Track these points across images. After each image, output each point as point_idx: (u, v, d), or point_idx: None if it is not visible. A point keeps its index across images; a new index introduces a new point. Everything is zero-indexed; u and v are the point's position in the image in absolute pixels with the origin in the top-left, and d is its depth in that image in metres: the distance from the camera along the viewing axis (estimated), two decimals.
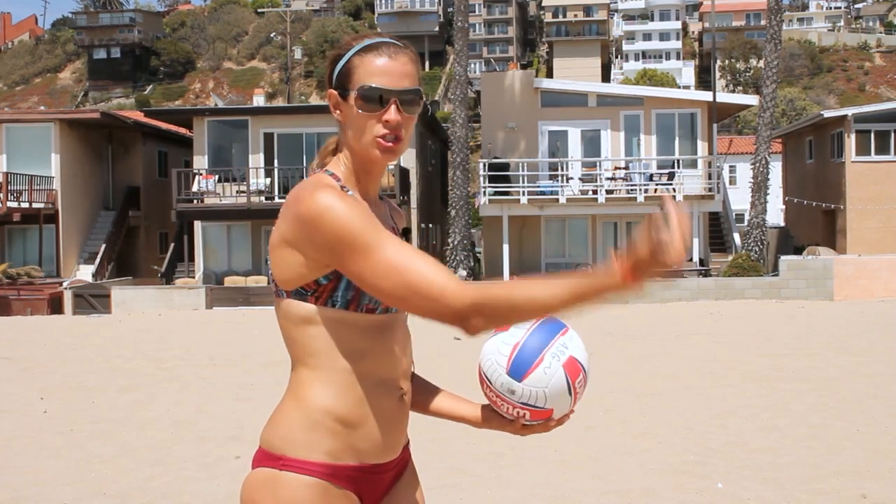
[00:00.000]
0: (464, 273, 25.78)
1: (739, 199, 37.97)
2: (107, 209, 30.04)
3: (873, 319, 17.16)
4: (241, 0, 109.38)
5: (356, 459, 1.88)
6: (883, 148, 29.22)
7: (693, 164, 27.20)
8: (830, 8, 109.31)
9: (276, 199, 25.97)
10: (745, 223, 26.93)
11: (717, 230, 29.20)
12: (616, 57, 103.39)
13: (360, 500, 1.91)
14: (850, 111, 29.98)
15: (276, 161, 26.98)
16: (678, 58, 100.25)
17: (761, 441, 7.10)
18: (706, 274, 24.86)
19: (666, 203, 1.67)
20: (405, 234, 2.12)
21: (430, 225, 32.38)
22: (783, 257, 23.98)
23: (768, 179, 26.30)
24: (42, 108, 77.38)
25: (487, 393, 1.98)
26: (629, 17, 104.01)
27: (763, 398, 9.03)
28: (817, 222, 32.21)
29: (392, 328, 1.91)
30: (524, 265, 27.08)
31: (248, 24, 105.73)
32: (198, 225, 27.14)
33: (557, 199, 26.08)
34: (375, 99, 1.85)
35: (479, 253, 31.82)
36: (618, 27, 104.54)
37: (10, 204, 25.41)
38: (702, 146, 27.35)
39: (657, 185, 26.20)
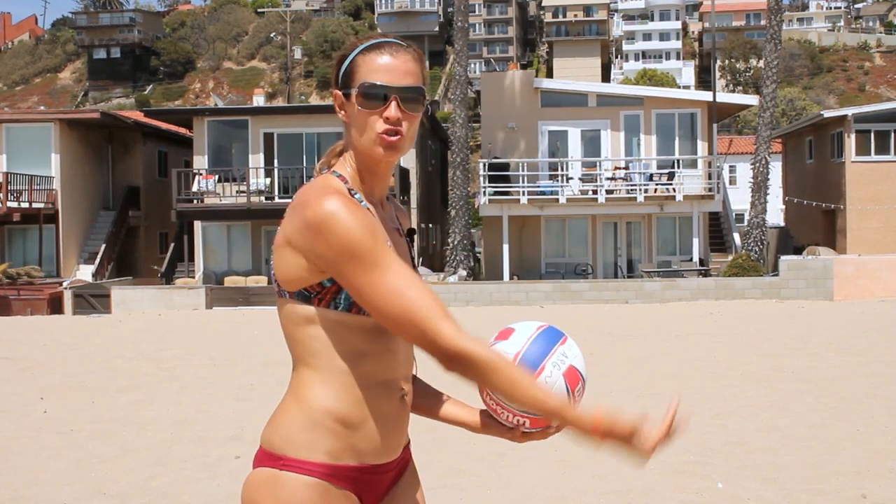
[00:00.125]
0: (464, 273, 25.78)
1: (739, 199, 37.97)
2: (107, 209, 30.04)
3: (873, 319, 17.16)
4: (241, 0, 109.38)
5: (356, 460, 1.88)
6: (883, 148, 29.21)
7: (693, 164, 27.20)
8: (830, 8, 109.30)
9: (277, 199, 25.97)
10: (745, 223, 26.93)
11: (717, 230, 29.20)
12: (616, 57, 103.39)
13: (360, 501, 1.91)
14: (850, 111, 29.99)
15: (276, 161, 26.98)
16: (678, 58, 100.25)
17: (761, 441, 7.10)
18: (706, 274, 24.86)
19: (670, 407, 1.79)
20: (410, 235, 2.12)
21: (430, 225, 32.38)
22: (783, 257, 23.98)
23: (768, 179, 26.30)
24: (42, 108, 77.39)
25: (487, 400, 1.99)
26: (629, 17, 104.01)
27: (763, 398, 9.03)
28: (817, 222, 32.21)
29: None
30: (524, 265, 27.09)
31: (248, 24, 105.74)
32: (198, 225, 27.14)
33: (557, 199, 26.07)
34: (376, 96, 1.86)
35: (479, 253, 31.83)
36: (618, 27, 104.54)
37: (10, 204, 25.41)
38: (702, 146, 27.35)
39: (657, 185, 26.21)
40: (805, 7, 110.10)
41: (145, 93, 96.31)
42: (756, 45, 78.00)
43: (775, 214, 41.40)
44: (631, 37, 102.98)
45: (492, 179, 26.19)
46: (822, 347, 13.10)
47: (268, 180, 26.54)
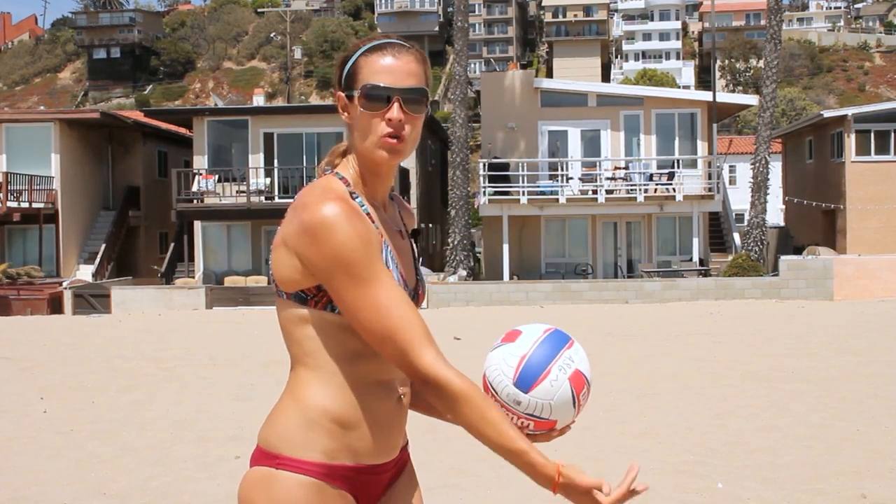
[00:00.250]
0: (464, 273, 25.78)
1: (739, 199, 37.96)
2: (107, 209, 30.04)
3: (873, 319, 17.16)
4: (241, 0, 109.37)
5: (352, 460, 1.88)
6: (883, 148, 29.22)
7: (693, 164, 27.20)
8: (830, 8, 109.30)
9: (276, 199, 25.98)
10: (745, 223, 26.92)
11: (717, 230, 29.20)
12: (616, 57, 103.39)
13: (356, 501, 1.91)
14: (849, 111, 29.99)
15: (275, 161, 26.98)
16: (678, 58, 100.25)
17: (761, 441, 7.10)
18: (706, 274, 24.86)
19: (630, 471, 1.81)
20: (415, 235, 2.12)
21: (430, 225, 32.39)
22: (783, 257, 23.98)
23: (768, 179, 26.29)
24: (42, 108, 77.38)
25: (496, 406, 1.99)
26: (629, 17, 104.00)
27: (763, 398, 9.03)
28: (817, 222, 32.21)
29: None
30: (524, 265, 27.09)
31: (248, 24, 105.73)
32: (198, 225, 27.14)
33: (557, 199, 26.07)
34: (378, 97, 1.85)
35: (479, 253, 31.82)
36: (618, 27, 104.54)
37: (10, 204, 25.41)
38: (702, 146, 27.35)
39: (657, 185, 26.21)
40: (805, 7, 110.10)
41: (145, 93, 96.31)
42: (756, 45, 77.99)
43: (775, 214, 41.40)
44: (631, 37, 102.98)
45: (492, 179, 26.19)
46: (822, 347, 13.09)
47: (268, 180, 26.55)
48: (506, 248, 25.62)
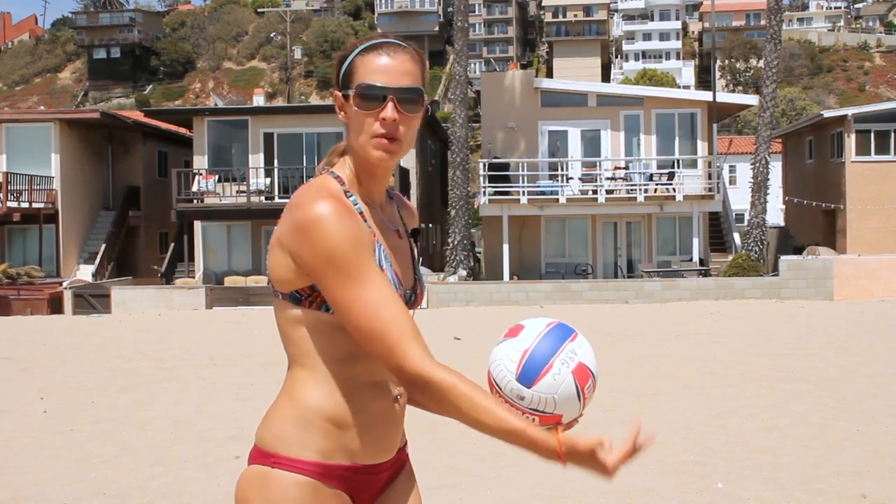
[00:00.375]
0: (464, 273, 25.78)
1: (739, 199, 37.97)
2: (107, 209, 30.04)
3: (873, 319, 17.16)
4: (241, 0, 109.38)
5: (348, 459, 1.88)
6: (883, 148, 29.22)
7: (693, 164, 27.20)
8: (830, 8, 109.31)
9: (277, 199, 25.97)
10: (745, 223, 26.92)
11: (717, 230, 29.20)
12: (616, 57, 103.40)
13: (353, 500, 1.91)
14: (850, 111, 29.99)
15: (276, 161, 26.98)
16: (678, 58, 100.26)
17: (761, 441, 7.10)
18: (706, 274, 24.86)
19: (634, 425, 1.79)
20: (415, 234, 2.11)
21: (430, 225, 32.39)
22: (783, 257, 23.98)
23: (768, 179, 26.29)
24: (42, 108, 77.39)
25: (495, 397, 1.98)
26: (629, 17, 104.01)
27: (763, 398, 9.03)
28: (817, 222, 32.22)
29: None
30: (524, 265, 27.09)
31: (248, 24, 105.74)
32: (198, 225, 27.15)
33: (557, 199, 26.07)
34: (373, 97, 1.85)
35: (479, 253, 31.83)
36: (618, 27, 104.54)
37: (10, 204, 25.41)
38: (702, 146, 27.35)
39: (657, 185, 26.21)
40: (805, 7, 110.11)
41: (145, 93, 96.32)
42: (756, 45, 78.00)
43: (775, 214, 41.40)
44: (631, 37, 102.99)
45: (492, 179, 26.19)
46: (822, 347, 13.10)
47: (268, 180, 26.55)
48: (506, 248, 25.62)
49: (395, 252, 1.95)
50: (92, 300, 23.34)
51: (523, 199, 25.94)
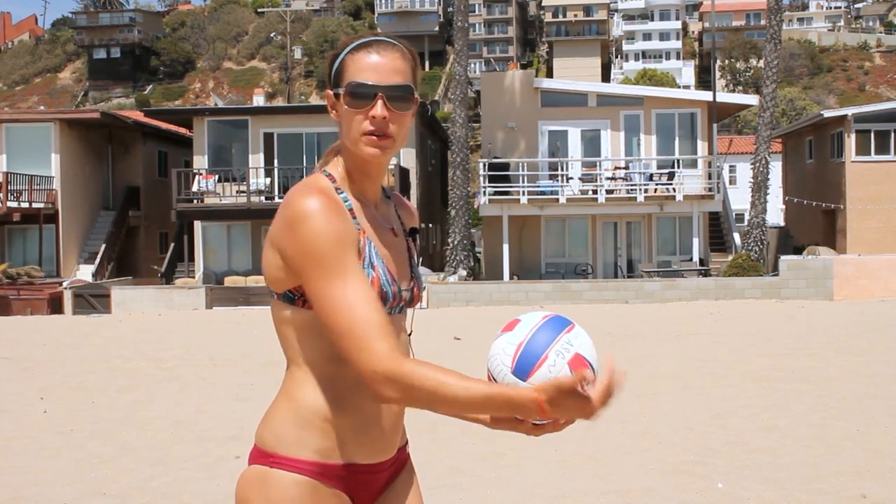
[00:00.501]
0: (464, 273, 25.78)
1: (739, 199, 37.97)
2: (107, 209, 30.04)
3: (873, 319, 17.16)
4: (241, 0, 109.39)
5: (346, 459, 1.88)
6: (883, 148, 29.22)
7: (693, 164, 27.21)
8: (830, 8, 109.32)
9: (276, 199, 25.95)
10: (745, 223, 26.93)
11: (717, 230, 29.20)
12: (616, 57, 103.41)
13: (352, 499, 1.91)
14: (850, 111, 29.99)
15: (276, 161, 26.99)
16: (678, 58, 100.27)
17: (761, 441, 7.10)
18: (706, 274, 24.86)
19: (608, 363, 1.75)
20: (413, 234, 2.11)
21: (430, 225, 32.38)
22: (783, 257, 23.98)
23: (768, 179, 26.29)
24: (42, 108, 77.39)
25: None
26: (629, 17, 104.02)
27: (763, 398, 9.03)
28: (817, 222, 32.22)
29: None
30: (524, 265, 27.09)
31: (248, 24, 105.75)
32: (198, 225, 27.15)
33: (557, 199, 26.07)
34: (363, 95, 1.85)
35: (479, 253, 31.83)
36: (618, 27, 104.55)
37: (10, 204, 25.41)
38: (702, 146, 27.35)
39: (657, 185, 26.21)
40: (805, 7, 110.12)
41: (145, 93, 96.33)
42: (756, 45, 78.00)
43: (775, 214, 41.40)
44: (631, 37, 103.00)
45: (492, 179, 26.19)
46: (822, 347, 13.10)
47: (268, 180, 26.55)
48: (506, 248, 25.62)
49: (389, 249, 1.94)
50: (92, 300, 23.34)
51: (523, 199, 25.94)
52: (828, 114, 30.67)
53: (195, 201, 26.31)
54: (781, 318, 17.82)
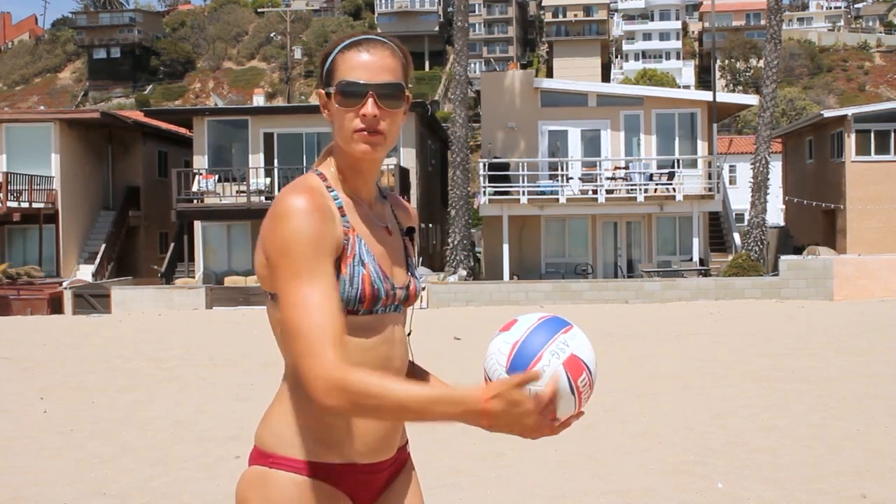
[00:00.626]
0: (464, 273, 25.77)
1: (739, 199, 37.97)
2: (107, 209, 30.04)
3: (873, 319, 17.16)
4: (241, 0, 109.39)
5: (345, 458, 1.88)
6: (883, 148, 29.22)
7: (693, 164, 27.21)
8: (830, 8, 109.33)
9: None
10: (745, 223, 26.93)
11: (717, 230, 29.20)
12: (616, 57, 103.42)
13: (352, 499, 1.91)
14: (850, 111, 29.99)
15: (276, 161, 26.99)
16: (678, 58, 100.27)
17: (761, 441, 7.10)
18: (706, 274, 24.86)
19: (552, 378, 1.72)
20: (409, 233, 2.11)
21: (430, 225, 32.38)
22: (783, 257, 23.97)
23: (768, 179, 26.30)
24: (42, 107, 77.39)
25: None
26: (629, 16, 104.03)
27: (763, 398, 9.03)
28: (817, 222, 32.22)
29: (378, 329, 1.90)
30: (524, 265, 27.09)
31: (248, 24, 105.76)
32: (198, 225, 27.15)
33: (557, 199, 26.07)
34: (353, 93, 1.86)
35: (479, 253, 31.82)
36: (618, 27, 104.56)
37: (10, 204, 25.41)
38: (702, 146, 27.35)
39: (657, 185, 26.21)
40: (805, 7, 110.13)
41: (145, 93, 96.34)
42: (756, 45, 78.00)
43: (775, 214, 41.40)
44: (631, 37, 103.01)
45: (492, 179, 26.19)
46: (822, 347, 13.09)
47: (268, 180, 26.55)
48: (506, 248, 25.62)
49: (382, 247, 1.94)
50: (92, 300, 23.34)
51: (523, 199, 25.94)
52: (828, 114, 30.67)
53: (195, 201, 26.31)
54: (781, 318, 17.82)
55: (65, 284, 24.46)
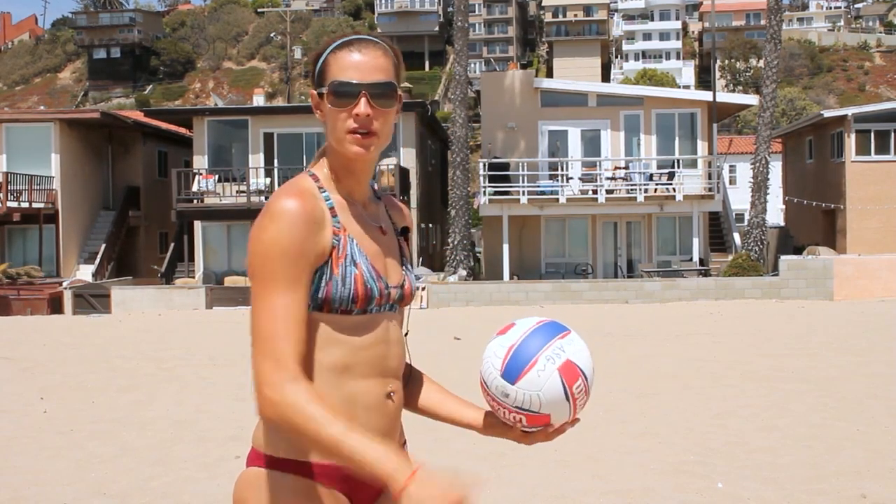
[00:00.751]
0: (464, 273, 25.77)
1: (739, 199, 37.97)
2: (107, 209, 30.04)
3: (873, 319, 17.16)
4: (241, 0, 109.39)
5: None
6: (883, 148, 29.22)
7: (693, 164, 27.20)
8: (830, 8, 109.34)
9: None
10: (745, 223, 26.93)
11: (717, 230, 29.20)
12: (616, 57, 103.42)
13: (351, 501, 1.90)
14: (850, 111, 29.99)
15: (275, 161, 26.99)
16: (678, 58, 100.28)
17: (761, 441, 7.10)
18: (706, 274, 24.85)
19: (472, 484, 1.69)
20: (404, 233, 2.10)
21: (430, 225, 32.37)
22: (783, 257, 23.97)
23: (768, 179, 26.29)
24: (42, 107, 77.38)
25: (486, 397, 1.93)
26: (629, 16, 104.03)
27: (763, 398, 9.02)
28: (817, 222, 32.21)
29: (374, 328, 1.90)
30: (524, 265, 27.08)
31: (248, 24, 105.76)
32: (198, 225, 27.14)
33: (557, 199, 26.07)
34: (346, 93, 1.86)
35: (479, 253, 31.82)
36: (618, 27, 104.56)
37: (10, 204, 25.41)
38: (702, 146, 27.35)
39: (657, 184, 26.20)
40: (805, 7, 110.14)
41: (145, 93, 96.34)
42: (756, 45, 78.01)
43: (775, 214, 41.39)
44: (631, 37, 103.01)
45: (492, 179, 26.19)
46: (822, 347, 13.09)
47: (268, 180, 26.55)
48: (506, 248, 25.61)
49: (375, 246, 1.93)
50: (92, 300, 23.34)
51: (523, 199, 25.94)
52: (828, 114, 30.67)
53: (195, 201, 26.31)
54: (781, 318, 17.82)
55: (65, 284, 24.46)
